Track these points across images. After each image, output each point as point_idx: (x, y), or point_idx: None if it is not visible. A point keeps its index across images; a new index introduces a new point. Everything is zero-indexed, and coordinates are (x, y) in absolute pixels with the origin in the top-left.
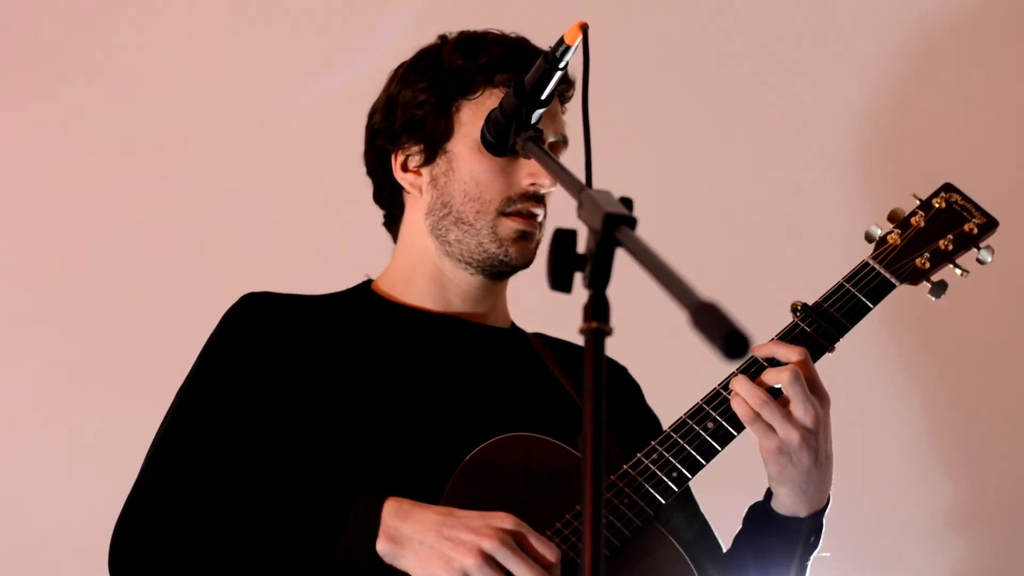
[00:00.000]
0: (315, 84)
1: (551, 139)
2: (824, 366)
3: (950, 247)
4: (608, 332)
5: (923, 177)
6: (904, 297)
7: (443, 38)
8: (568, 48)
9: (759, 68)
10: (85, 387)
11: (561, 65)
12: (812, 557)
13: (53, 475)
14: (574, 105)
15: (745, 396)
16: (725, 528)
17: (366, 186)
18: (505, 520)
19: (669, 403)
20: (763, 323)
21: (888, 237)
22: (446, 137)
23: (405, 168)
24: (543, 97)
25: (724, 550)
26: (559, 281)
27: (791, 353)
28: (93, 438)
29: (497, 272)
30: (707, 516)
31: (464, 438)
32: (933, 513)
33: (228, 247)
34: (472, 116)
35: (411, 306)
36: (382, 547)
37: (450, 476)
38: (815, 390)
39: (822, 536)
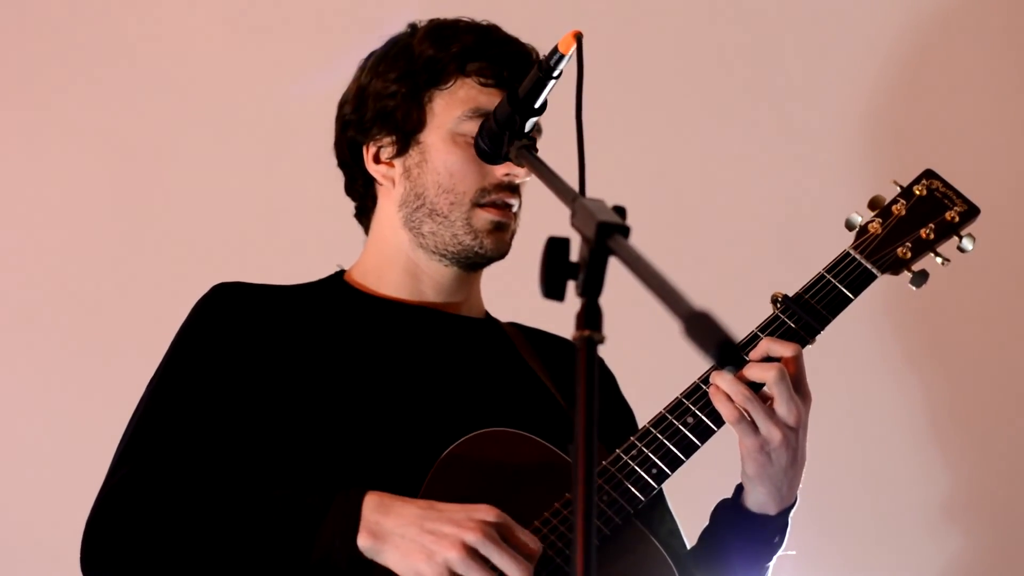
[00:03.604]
0: (305, 82)
1: None
2: (825, 354)
3: (931, 236)
4: (600, 340)
5: (908, 165)
6: (903, 285)
7: (413, 27)
8: (562, 57)
9: (746, 72)
10: (57, 382)
11: (555, 74)
12: (776, 556)
13: (24, 472)
14: (566, 106)
15: (729, 391)
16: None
17: (337, 177)
18: (488, 512)
19: (659, 407)
20: (748, 319)
21: (869, 226)
22: (418, 128)
23: (377, 160)
24: (537, 105)
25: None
26: (552, 289)
27: (785, 349)
28: (63, 436)
29: (472, 264)
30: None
31: (440, 430)
32: (932, 504)
33: (204, 241)
34: (445, 106)
35: (384, 297)
36: (363, 542)
37: (426, 470)
38: (799, 389)
39: (787, 535)
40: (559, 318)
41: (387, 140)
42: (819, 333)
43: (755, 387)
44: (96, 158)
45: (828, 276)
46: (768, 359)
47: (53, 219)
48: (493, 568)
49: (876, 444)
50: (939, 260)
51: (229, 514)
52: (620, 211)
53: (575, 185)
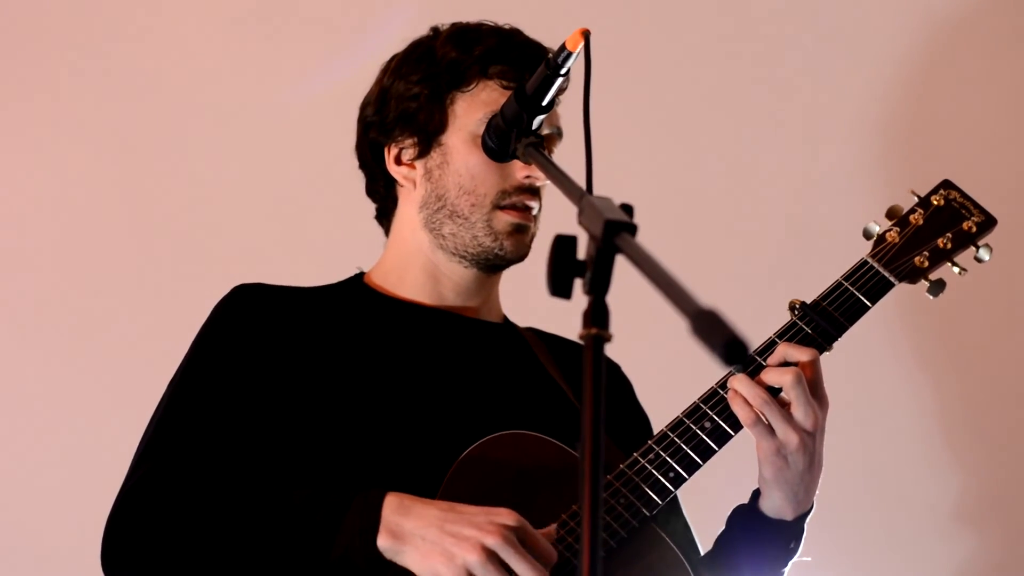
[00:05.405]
0: (315, 79)
1: (546, 131)
2: (838, 359)
3: (949, 245)
4: (607, 338)
5: (924, 174)
6: (916, 291)
7: (435, 30)
8: (570, 54)
9: (759, 75)
10: (76, 383)
11: (562, 71)
12: (791, 562)
13: (44, 472)
14: (574, 104)
15: (746, 395)
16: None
17: (358, 179)
18: (508, 517)
19: (669, 409)
20: (765, 325)
21: (887, 235)
22: (440, 130)
23: (399, 161)
24: (544, 103)
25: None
26: (559, 287)
27: (802, 354)
28: (83, 434)
29: (492, 265)
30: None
31: (457, 434)
32: (944, 507)
33: (224, 242)
34: (466, 108)
35: (404, 299)
36: (383, 542)
37: (443, 472)
38: (816, 393)
39: (802, 541)
40: (567, 316)
41: (409, 142)
42: (836, 340)
43: (773, 392)
44: (117, 160)
45: (846, 284)
46: (786, 364)
47: (69, 221)
48: (511, 572)
49: (888, 448)
50: (956, 270)
51: (249, 512)
52: (628, 209)
53: (582, 183)
